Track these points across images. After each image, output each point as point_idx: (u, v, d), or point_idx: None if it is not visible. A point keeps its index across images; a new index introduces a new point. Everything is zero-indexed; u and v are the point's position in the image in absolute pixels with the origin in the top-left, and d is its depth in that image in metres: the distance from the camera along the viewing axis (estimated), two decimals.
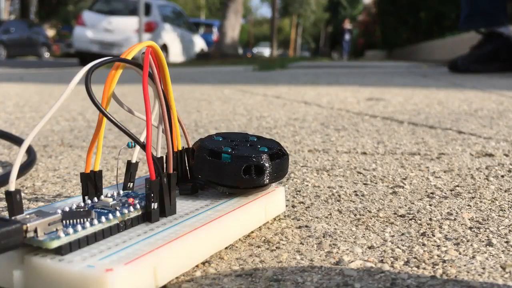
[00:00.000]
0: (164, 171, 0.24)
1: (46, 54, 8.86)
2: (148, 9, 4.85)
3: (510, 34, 1.89)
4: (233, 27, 6.36)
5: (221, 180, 0.26)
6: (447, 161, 0.44)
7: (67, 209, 0.21)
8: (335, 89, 1.26)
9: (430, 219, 0.29)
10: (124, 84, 1.38)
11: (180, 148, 0.27)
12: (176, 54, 5.40)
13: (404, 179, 0.38)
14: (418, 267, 0.22)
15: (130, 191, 0.26)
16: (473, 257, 0.23)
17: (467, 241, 0.25)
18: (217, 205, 0.25)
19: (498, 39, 1.88)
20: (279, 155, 0.27)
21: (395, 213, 0.30)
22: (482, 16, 1.85)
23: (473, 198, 0.33)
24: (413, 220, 0.29)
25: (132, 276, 0.18)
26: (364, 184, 0.37)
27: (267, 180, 0.26)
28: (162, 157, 0.25)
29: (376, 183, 0.37)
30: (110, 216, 0.21)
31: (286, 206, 0.31)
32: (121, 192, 0.25)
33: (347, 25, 9.98)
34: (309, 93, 1.13)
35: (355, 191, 0.35)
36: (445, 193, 0.34)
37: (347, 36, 9.79)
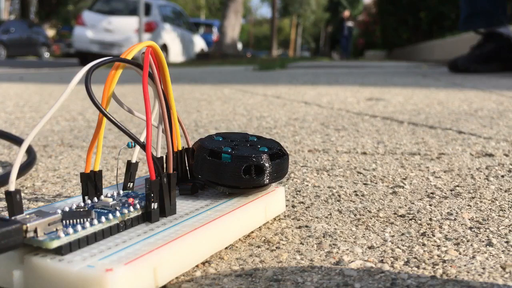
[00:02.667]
0: (164, 171, 0.24)
1: (46, 54, 8.86)
2: (148, 9, 4.85)
3: (510, 34, 1.89)
4: (233, 27, 6.36)
5: (221, 180, 0.26)
6: (447, 161, 0.44)
7: (67, 209, 0.21)
8: (335, 89, 1.26)
9: (430, 219, 0.29)
10: (124, 84, 1.38)
11: (180, 148, 0.27)
12: (176, 54, 5.40)
13: (404, 179, 0.38)
14: (418, 267, 0.22)
15: (130, 191, 0.26)
16: (473, 257, 0.23)
17: (467, 241, 0.25)
18: (217, 205, 0.25)
19: (498, 39, 1.88)
20: (279, 155, 0.27)
21: (395, 213, 0.30)
22: (482, 16, 1.85)
23: (473, 198, 0.33)
24: (413, 220, 0.29)
25: (132, 276, 0.18)
26: (364, 184, 0.37)
27: (267, 180, 0.26)
28: (162, 157, 0.25)
29: (376, 183, 0.37)
30: (110, 216, 0.21)
31: (286, 206, 0.31)
32: (121, 192, 0.25)
33: (348, 22, 8.75)
34: (309, 93, 1.13)
35: (355, 191, 0.35)
36: (445, 193, 0.34)
37: (346, 32, 8.59)
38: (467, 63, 1.91)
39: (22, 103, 0.96)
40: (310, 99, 0.99)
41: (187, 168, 0.28)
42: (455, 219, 0.29)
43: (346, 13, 8.90)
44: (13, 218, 0.19)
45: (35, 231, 0.19)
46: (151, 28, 4.78)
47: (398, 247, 0.25)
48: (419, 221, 0.28)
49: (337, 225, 0.28)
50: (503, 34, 1.88)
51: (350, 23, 8.86)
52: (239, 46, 7.57)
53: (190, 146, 0.28)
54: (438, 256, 0.23)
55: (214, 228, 0.23)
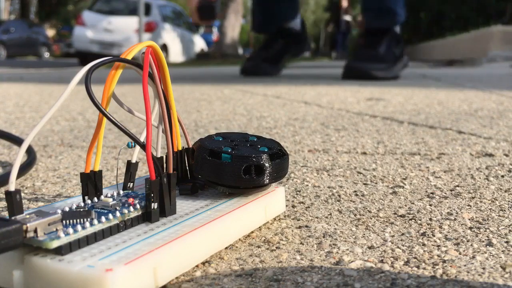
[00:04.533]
0: (164, 171, 0.24)
1: (46, 54, 8.86)
2: (148, 9, 4.85)
3: (297, 27, 1.86)
4: (233, 27, 6.36)
5: (221, 180, 0.26)
6: (447, 161, 0.44)
7: (67, 209, 0.21)
8: (335, 89, 1.26)
9: (430, 219, 0.29)
10: (124, 84, 1.38)
11: (180, 148, 0.27)
12: (176, 54, 5.40)
13: (404, 179, 0.38)
14: (418, 267, 0.22)
15: (130, 191, 0.26)
16: (473, 257, 0.23)
17: (467, 241, 0.25)
18: (217, 205, 0.25)
19: (287, 35, 1.82)
20: (279, 155, 0.27)
21: (395, 213, 0.30)
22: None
23: (473, 198, 0.33)
24: (413, 220, 0.29)
25: (132, 276, 0.18)
26: (364, 184, 0.37)
27: (267, 180, 0.26)
28: (162, 157, 0.25)
29: (376, 183, 0.37)
30: (110, 216, 0.21)
31: (286, 206, 0.31)
32: (121, 192, 0.25)
33: (346, 15, 7.13)
34: (309, 93, 1.13)
35: (355, 191, 0.35)
36: (445, 193, 0.34)
37: (342, 27, 7.03)
38: (256, 67, 1.84)
39: (22, 103, 0.96)
40: (310, 99, 0.99)
41: (187, 168, 0.28)
42: (455, 219, 0.29)
43: (344, 3, 7.36)
44: (13, 218, 0.19)
45: (35, 231, 0.19)
46: (151, 28, 4.78)
47: (398, 247, 0.25)
48: (419, 221, 0.28)
49: (337, 225, 0.28)
50: (292, 29, 1.85)
51: (348, 17, 7.43)
52: (240, 51, 7.49)
53: (190, 146, 0.28)
54: (438, 256, 0.23)
55: (214, 228, 0.23)
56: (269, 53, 1.80)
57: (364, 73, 1.55)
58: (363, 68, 1.57)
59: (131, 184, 0.26)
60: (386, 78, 1.57)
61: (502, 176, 0.39)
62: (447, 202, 0.32)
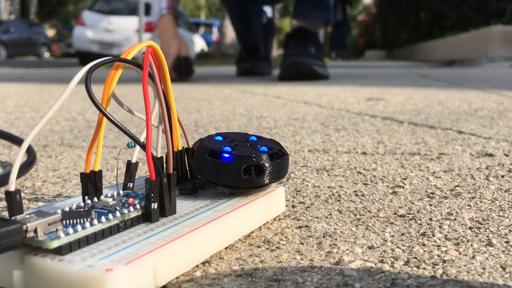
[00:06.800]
0: (164, 171, 0.24)
1: (46, 54, 8.87)
2: (148, 9, 4.85)
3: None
4: None
5: (221, 180, 0.26)
6: (447, 161, 0.44)
7: (67, 209, 0.21)
8: (335, 89, 1.26)
9: (430, 219, 0.29)
10: (124, 84, 1.38)
11: (180, 148, 0.27)
12: None
13: (404, 179, 0.38)
14: (418, 267, 0.22)
15: (130, 191, 0.26)
16: (473, 257, 0.23)
17: (467, 241, 0.25)
18: (217, 205, 0.25)
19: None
20: (279, 155, 0.27)
21: (395, 213, 0.30)
22: None
23: (473, 198, 0.33)
24: (413, 220, 0.29)
25: (132, 276, 0.18)
26: (364, 184, 0.37)
27: (267, 180, 0.26)
28: (162, 157, 0.25)
29: (376, 183, 0.37)
30: (110, 216, 0.21)
31: (286, 206, 0.31)
32: (121, 192, 0.25)
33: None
34: (309, 93, 1.13)
35: (355, 191, 0.35)
36: (445, 193, 0.34)
37: (339, 16, 4.93)
38: (253, 67, 1.81)
39: (22, 103, 0.96)
40: (310, 99, 0.99)
41: (187, 168, 0.28)
42: (455, 219, 0.29)
43: None
44: (13, 218, 0.19)
45: (35, 231, 0.19)
46: (151, 28, 4.78)
47: (398, 247, 0.25)
48: (419, 221, 0.28)
49: (337, 225, 0.28)
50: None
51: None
52: None
53: (190, 146, 0.28)
54: (438, 256, 0.23)
55: (214, 228, 0.23)
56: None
57: (309, 70, 1.48)
58: (307, 63, 1.48)
59: (131, 184, 0.26)
60: (325, 76, 1.54)
61: (502, 176, 0.39)
62: (447, 202, 0.32)
